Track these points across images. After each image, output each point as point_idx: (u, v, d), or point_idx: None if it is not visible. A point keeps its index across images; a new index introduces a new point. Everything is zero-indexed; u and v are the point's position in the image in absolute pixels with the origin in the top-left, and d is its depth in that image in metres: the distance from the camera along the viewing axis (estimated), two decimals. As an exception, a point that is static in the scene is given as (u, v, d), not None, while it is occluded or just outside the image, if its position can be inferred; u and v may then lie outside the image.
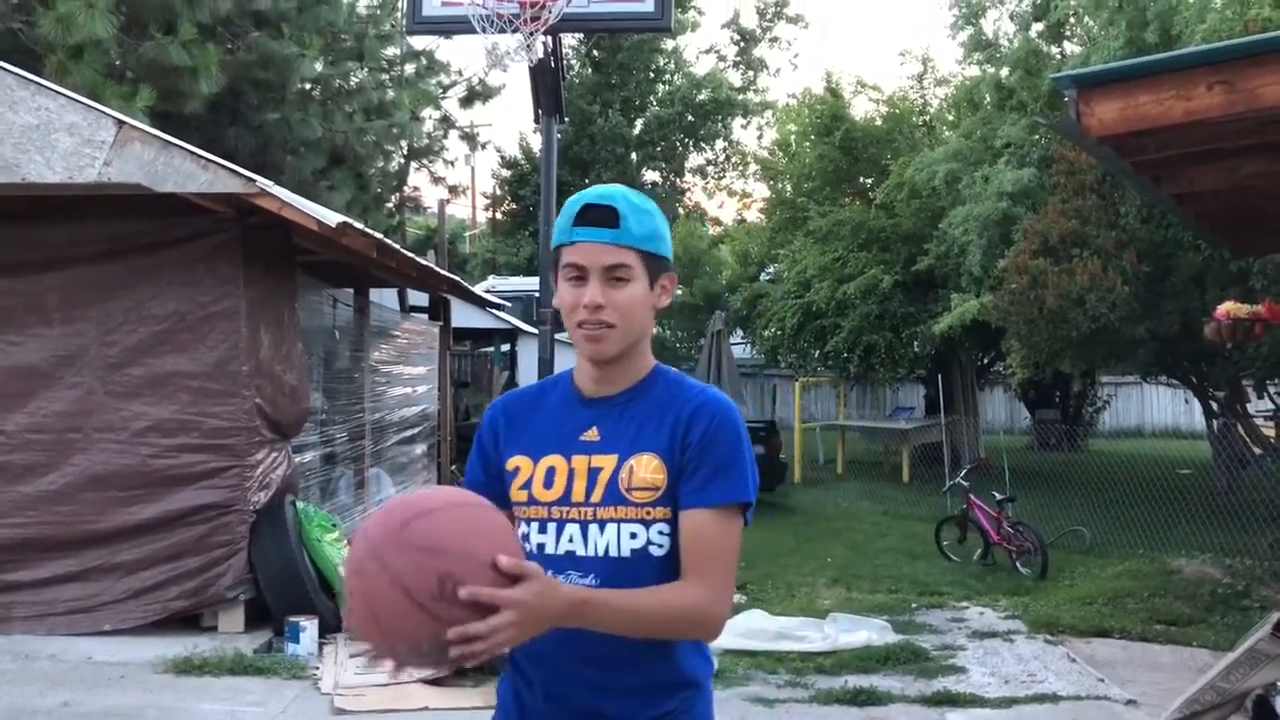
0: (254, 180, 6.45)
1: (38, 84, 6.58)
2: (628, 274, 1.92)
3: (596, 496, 1.91)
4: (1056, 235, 11.60)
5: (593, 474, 1.92)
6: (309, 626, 6.46)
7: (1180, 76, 4.27)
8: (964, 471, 10.94)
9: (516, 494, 1.98)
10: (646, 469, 1.90)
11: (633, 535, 1.90)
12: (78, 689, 5.66)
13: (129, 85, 10.78)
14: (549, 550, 1.93)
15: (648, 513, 1.90)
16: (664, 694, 1.92)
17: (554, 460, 1.95)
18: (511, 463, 1.99)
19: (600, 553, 1.91)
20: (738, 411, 1.95)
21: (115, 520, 6.75)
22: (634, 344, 1.96)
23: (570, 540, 1.92)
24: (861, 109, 20.04)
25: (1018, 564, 9.56)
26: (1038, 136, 14.11)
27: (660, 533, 1.90)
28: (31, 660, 6.16)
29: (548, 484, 1.94)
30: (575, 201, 1.95)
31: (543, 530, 1.94)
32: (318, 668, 6.14)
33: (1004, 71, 15.71)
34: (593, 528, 1.91)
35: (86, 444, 6.81)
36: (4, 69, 6.51)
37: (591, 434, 1.95)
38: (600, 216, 1.91)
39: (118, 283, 6.85)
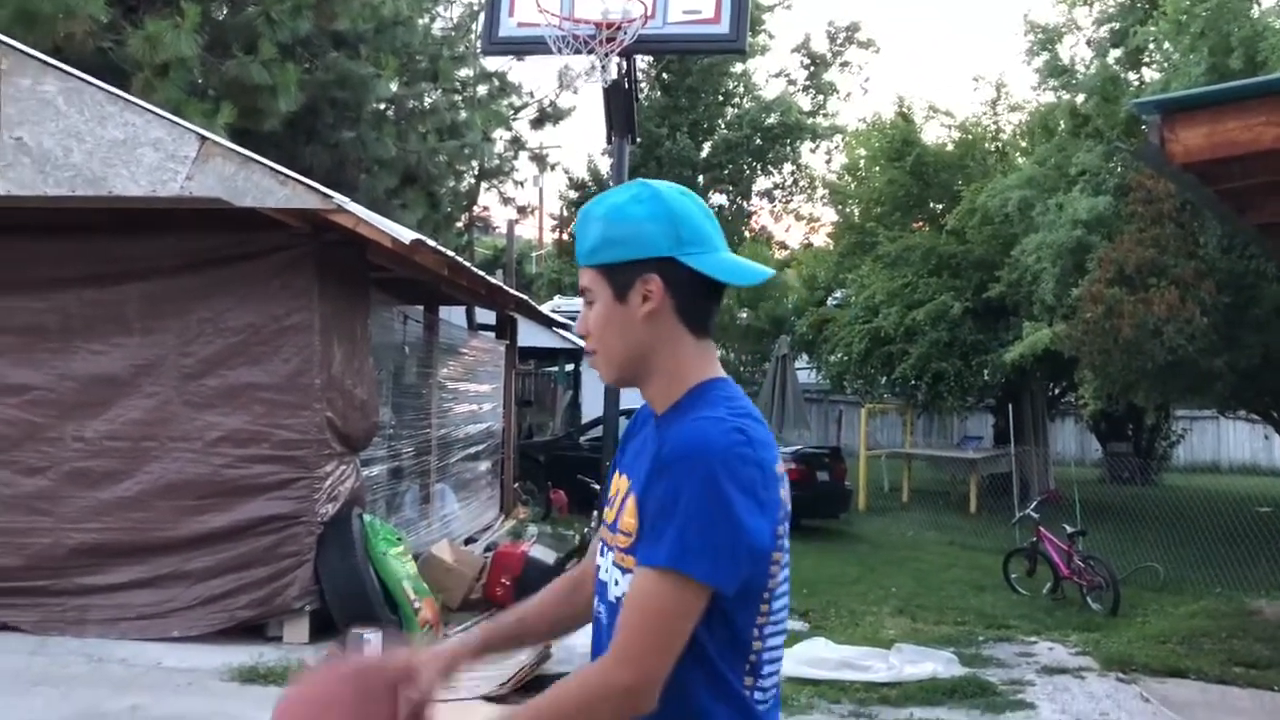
0: (331, 196, 6.55)
1: (125, 100, 6.75)
2: (590, 295, 1.74)
3: (612, 518, 1.74)
4: (1133, 264, 11.38)
5: (622, 503, 1.72)
6: (373, 639, 6.49)
7: (1272, 101, 4.17)
8: (1034, 503, 10.73)
9: (606, 509, 1.80)
10: (628, 511, 1.68)
11: (616, 581, 1.70)
12: (146, 694, 5.74)
13: (211, 103, 11.03)
14: (600, 574, 1.78)
15: (624, 559, 1.67)
16: None
17: (620, 480, 1.77)
18: (614, 474, 1.84)
19: (604, 579, 1.75)
20: (711, 450, 1.57)
21: (187, 528, 6.86)
22: (634, 364, 1.73)
23: (602, 568, 1.77)
24: (933, 134, 19.89)
25: (1088, 599, 9.34)
26: (1114, 164, 13.88)
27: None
28: (103, 663, 6.27)
29: (611, 503, 1.77)
30: None
31: (601, 554, 1.79)
32: (380, 681, 6.16)
33: (1080, 98, 15.49)
34: (609, 554, 1.74)
35: (161, 452, 6.94)
36: (94, 85, 6.69)
37: (641, 457, 1.75)
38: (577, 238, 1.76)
39: (196, 295, 6.99)
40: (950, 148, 19.13)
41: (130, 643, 6.62)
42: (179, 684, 5.93)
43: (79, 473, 6.97)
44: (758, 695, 1.67)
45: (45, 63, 6.68)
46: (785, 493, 1.71)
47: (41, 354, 7.05)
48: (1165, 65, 14.17)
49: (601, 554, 1.77)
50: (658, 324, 1.70)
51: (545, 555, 8.60)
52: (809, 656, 6.98)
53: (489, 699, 5.87)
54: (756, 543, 1.59)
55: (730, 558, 1.56)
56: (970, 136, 19.22)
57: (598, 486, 6.85)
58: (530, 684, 6.01)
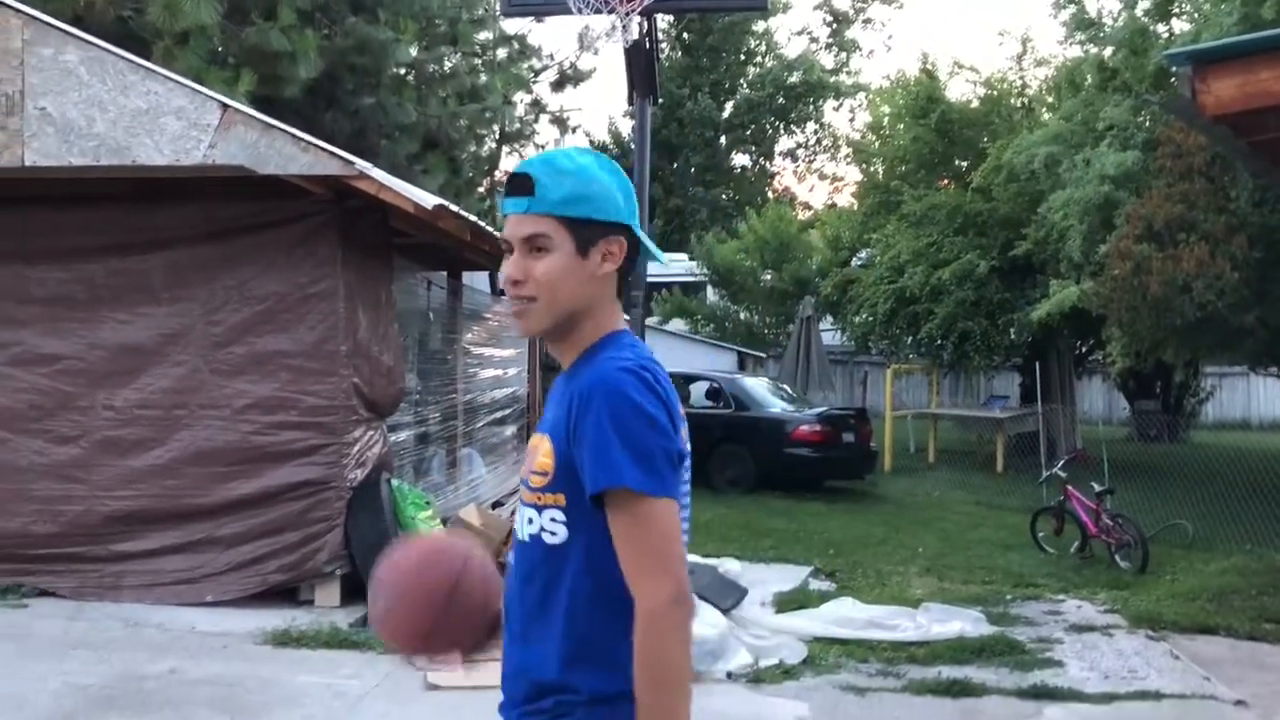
0: (353, 163, 6.55)
1: (147, 68, 6.75)
2: (546, 243, 1.80)
3: (524, 474, 1.86)
4: (1162, 220, 11.23)
5: (532, 453, 1.85)
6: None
7: (1307, 51, 4.08)
8: (1061, 462, 10.68)
9: None
10: (541, 451, 1.80)
11: (529, 520, 1.81)
12: (183, 657, 5.83)
13: (231, 70, 11.03)
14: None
15: (539, 498, 1.78)
16: (540, 693, 1.80)
17: (535, 439, 1.89)
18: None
19: (516, 530, 1.86)
20: (628, 381, 1.71)
21: (218, 495, 6.93)
22: (572, 317, 1.83)
23: (517, 526, 1.87)
24: (958, 90, 19.73)
25: (1116, 557, 9.31)
26: (1142, 118, 13.67)
27: (553, 519, 1.77)
28: (140, 628, 6.37)
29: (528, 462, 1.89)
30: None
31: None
32: (411, 643, 6.22)
33: (1108, 51, 15.24)
34: (521, 509, 1.86)
35: (191, 420, 7.00)
36: (116, 54, 6.69)
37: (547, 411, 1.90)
38: (517, 185, 1.82)
39: (221, 263, 7.02)
40: (975, 104, 18.90)
41: (165, 607, 6.72)
42: (214, 647, 6.02)
43: (110, 441, 7.05)
44: None
45: (67, 32, 6.68)
46: (685, 433, 1.82)
47: (70, 324, 7.12)
48: (1195, 16, 13.91)
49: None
50: (604, 282, 1.85)
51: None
52: (836, 616, 7.01)
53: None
54: (677, 446, 1.75)
55: (662, 465, 1.70)
56: (996, 92, 18.98)
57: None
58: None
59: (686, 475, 1.83)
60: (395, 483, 7.28)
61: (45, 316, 7.14)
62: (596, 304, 1.84)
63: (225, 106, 6.64)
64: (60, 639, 6.11)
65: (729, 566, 8.40)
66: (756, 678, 5.89)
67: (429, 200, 6.88)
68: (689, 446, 1.83)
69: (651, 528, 1.68)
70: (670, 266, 25.74)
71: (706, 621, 6.34)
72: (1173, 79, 13.26)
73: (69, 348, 7.11)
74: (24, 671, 5.48)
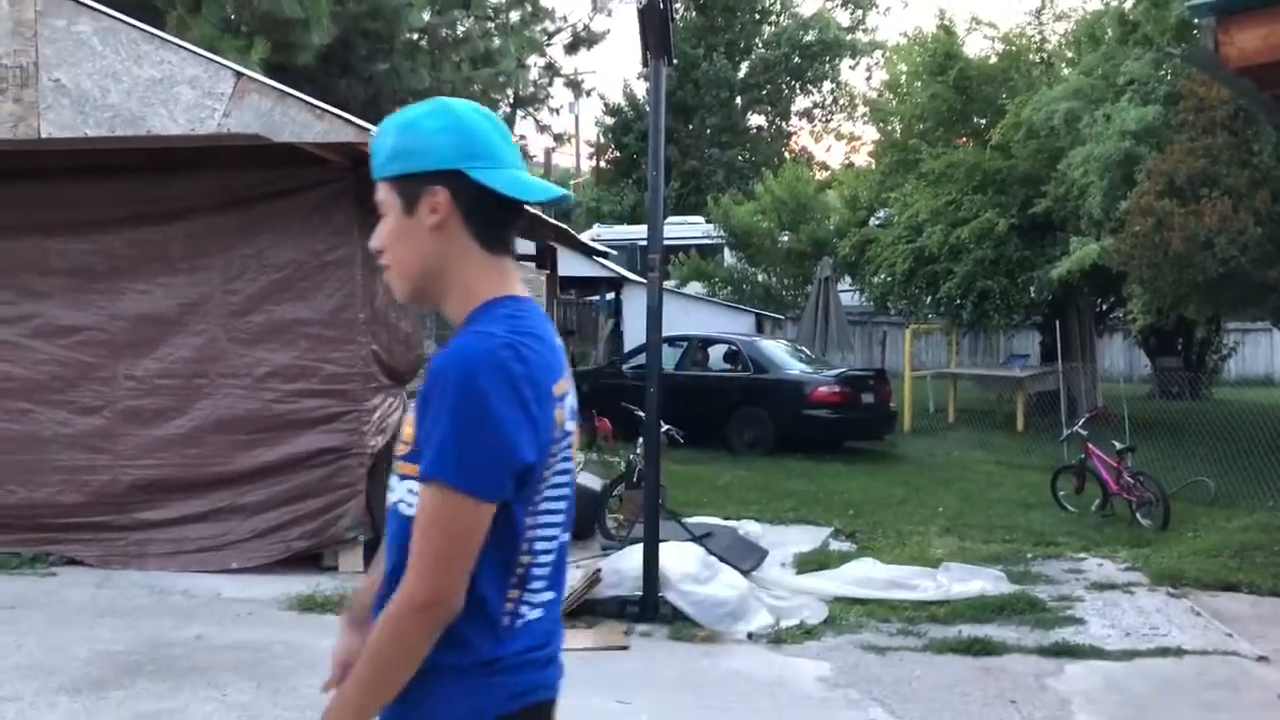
0: (367, 129, 6.53)
1: (161, 38, 6.75)
2: (383, 208, 1.76)
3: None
4: (1184, 175, 11.10)
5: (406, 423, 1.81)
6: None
7: (1333, 0, 4.01)
8: (1082, 420, 10.64)
9: None
10: (408, 421, 1.74)
11: (392, 489, 1.76)
12: (209, 623, 5.90)
13: (244, 39, 11.00)
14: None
15: (401, 467, 1.74)
16: None
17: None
18: None
19: (389, 495, 1.82)
20: (481, 365, 1.60)
21: (240, 463, 6.99)
22: (428, 281, 1.76)
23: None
24: (976, 47, 19.45)
25: (1138, 515, 9.29)
26: (1164, 72, 13.48)
27: (410, 491, 1.70)
28: (166, 595, 6.45)
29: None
30: None
31: None
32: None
33: (1128, 4, 15.02)
34: (391, 476, 1.81)
35: (212, 389, 7.05)
36: (129, 24, 6.68)
37: None
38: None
39: (237, 232, 7.03)
40: (994, 60, 18.66)
41: (190, 575, 6.80)
42: (239, 613, 6.09)
43: (133, 411, 7.10)
44: (524, 609, 1.71)
45: (79, 3, 6.66)
46: (563, 414, 1.72)
47: (90, 295, 7.16)
48: (1218, -34, 13.68)
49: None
50: (446, 238, 1.72)
51: (592, 482, 8.68)
52: (857, 576, 7.03)
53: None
54: (517, 455, 1.61)
55: (488, 468, 1.59)
56: (1014, 48, 18.72)
57: (642, 414, 6.88)
58: (579, 609, 6.10)
59: (565, 453, 1.74)
60: (415, 449, 7.32)
61: (66, 288, 7.18)
62: (450, 264, 1.74)
63: (239, 75, 6.63)
64: (88, 606, 6.20)
65: (749, 528, 8.43)
66: (777, 638, 5.92)
67: (444, 166, 6.85)
68: (569, 420, 1.74)
69: (442, 524, 1.60)
70: (687, 229, 25.65)
71: (727, 583, 6.37)
72: (1195, 31, 13.06)
73: (90, 319, 7.15)
74: (54, 638, 5.56)
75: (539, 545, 1.72)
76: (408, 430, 1.72)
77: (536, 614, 1.74)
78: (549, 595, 1.77)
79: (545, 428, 1.66)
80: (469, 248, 1.73)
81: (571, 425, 1.76)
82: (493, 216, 1.74)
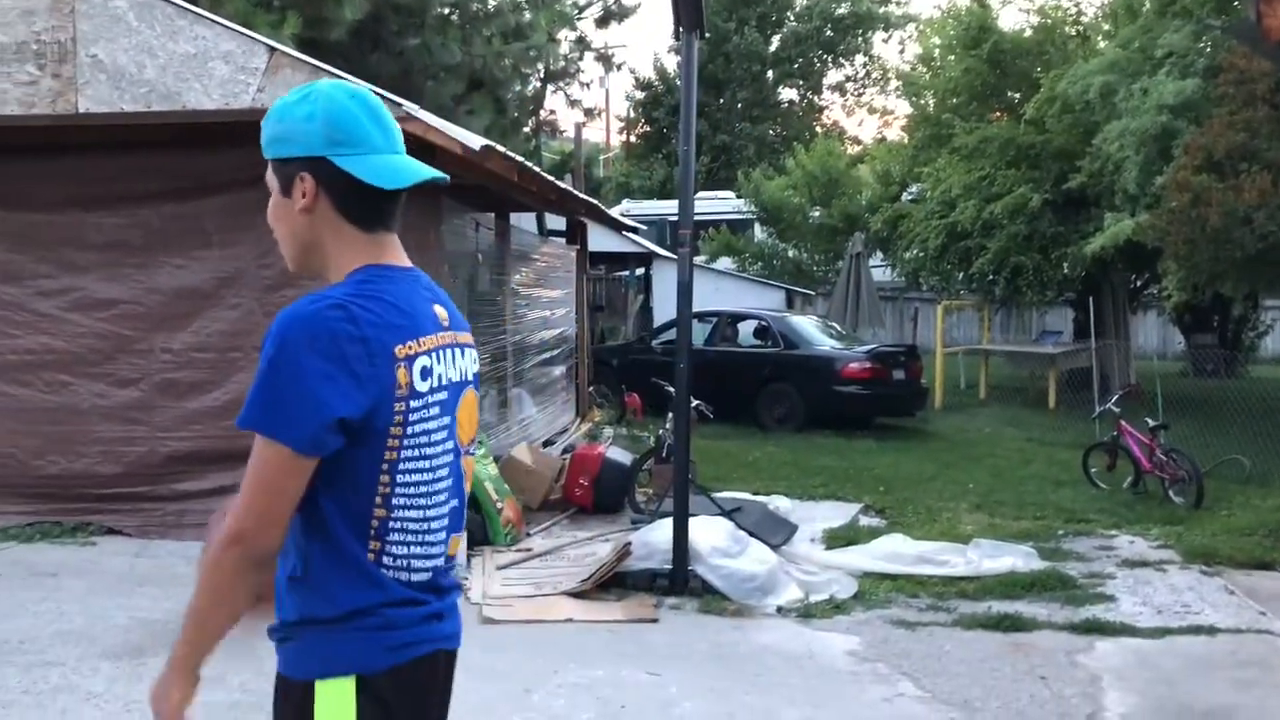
0: (400, 104, 6.55)
1: (195, 13, 6.78)
2: (269, 186, 1.88)
3: None
4: (1222, 149, 10.95)
5: None
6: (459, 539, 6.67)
7: (1377, -30, 3.93)
8: (1115, 397, 10.56)
9: None
10: None
11: None
12: (245, 593, 5.98)
13: (277, 14, 11.05)
14: None
15: None
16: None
17: None
18: None
19: None
20: (295, 322, 1.70)
21: (275, 435, 7.05)
22: (309, 255, 1.86)
23: None
24: (1010, 19, 19.24)
25: (1170, 492, 9.23)
26: (1203, 44, 13.27)
27: None
28: (202, 565, 6.54)
29: None
30: None
31: None
32: (466, 578, 6.35)
33: (1168, -26, 14.77)
34: None
35: (246, 362, 7.12)
36: (163, -1, 6.72)
37: None
38: None
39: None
40: (1029, 33, 18.43)
41: (227, 545, 6.88)
42: (275, 584, 6.17)
43: (169, 383, 7.19)
44: (386, 560, 1.77)
45: (114, -22, 6.71)
46: (408, 375, 1.76)
47: (127, 269, 7.24)
48: (1260, -64, 13.43)
49: None
50: (317, 219, 1.82)
51: (622, 456, 8.72)
52: (886, 552, 7.04)
53: (571, 595, 6.03)
54: (328, 408, 1.67)
55: (296, 418, 1.67)
56: (1049, 21, 18.47)
57: (672, 390, 6.90)
58: (609, 581, 6.15)
59: (427, 414, 1.79)
60: (447, 422, 7.37)
61: (103, 262, 7.27)
62: (323, 241, 1.83)
63: (272, 50, 6.67)
64: (127, 575, 6.30)
65: (779, 504, 8.45)
66: (807, 612, 5.95)
67: (476, 141, 6.87)
68: (423, 381, 1.78)
69: (255, 468, 1.70)
70: (717, 204, 25.55)
71: (756, 557, 6.40)
72: (1236, 2, 12.85)
73: (127, 292, 7.24)
74: (94, 606, 5.67)
75: (397, 501, 1.77)
76: None
77: (422, 576, 1.81)
78: (430, 556, 1.82)
79: (378, 385, 1.72)
80: (340, 226, 1.83)
81: (425, 386, 1.79)
82: (362, 198, 1.81)
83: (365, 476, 1.75)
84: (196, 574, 1.80)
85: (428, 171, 1.85)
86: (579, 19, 19.85)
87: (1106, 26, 18.13)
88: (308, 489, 1.72)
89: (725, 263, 23.87)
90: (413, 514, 1.79)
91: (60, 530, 7.09)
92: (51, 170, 7.28)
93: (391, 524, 1.77)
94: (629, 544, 6.31)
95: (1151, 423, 9.59)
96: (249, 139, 6.76)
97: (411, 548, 1.80)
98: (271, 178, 1.86)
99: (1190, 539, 7.71)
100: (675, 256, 6.68)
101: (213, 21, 6.79)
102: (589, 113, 29.38)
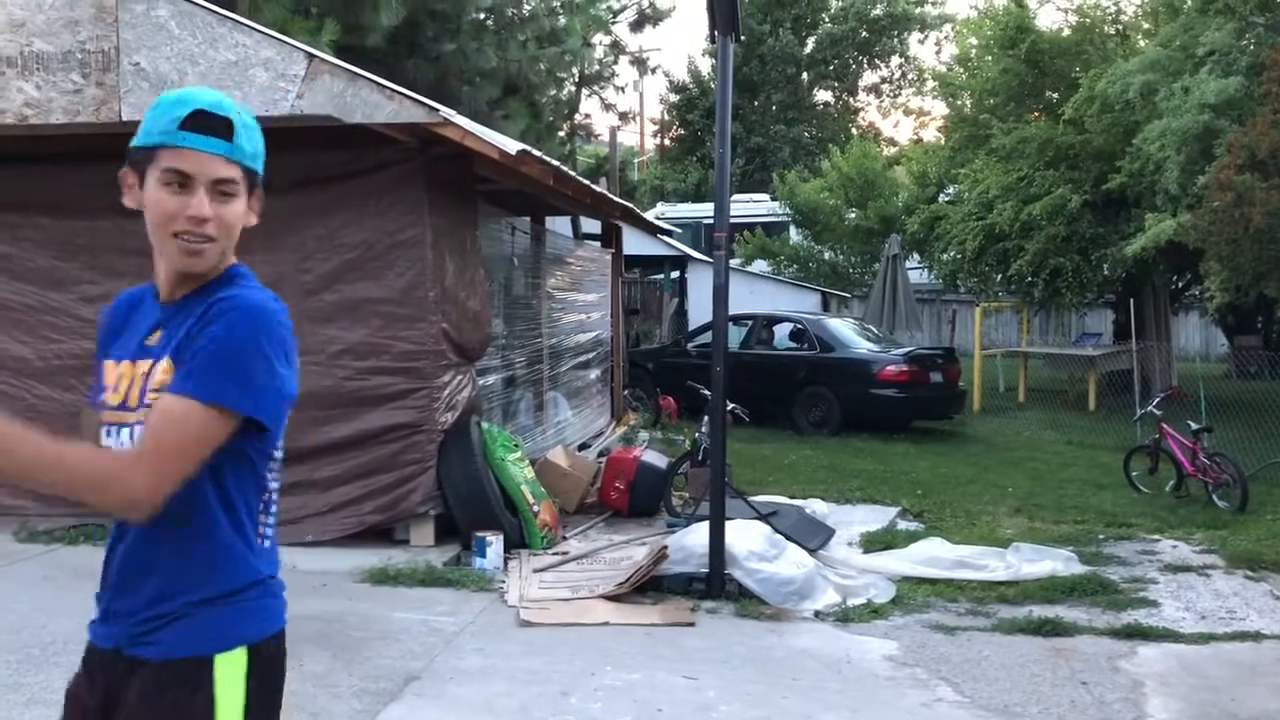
0: (437, 109, 6.59)
1: (235, 21, 6.85)
2: (235, 190, 1.91)
3: (135, 401, 1.90)
4: (1266, 148, 10.80)
5: (145, 379, 1.91)
6: (495, 541, 6.71)
7: None
8: (1156, 400, 10.44)
9: (103, 398, 1.98)
10: (163, 370, 1.87)
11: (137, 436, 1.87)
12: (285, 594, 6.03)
13: (315, 20, 11.15)
14: None
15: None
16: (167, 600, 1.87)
17: (124, 366, 1.96)
18: (105, 366, 2.01)
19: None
20: (262, 310, 1.85)
21: (315, 438, 7.12)
22: (225, 256, 1.97)
23: (124, 446, 1.90)
24: (1049, 19, 19.07)
25: (1214, 496, 9.11)
26: (1247, 41, 13.10)
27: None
28: (243, 567, 6.60)
29: (115, 389, 1.95)
30: (181, 103, 1.89)
31: (109, 435, 1.93)
32: (503, 581, 6.38)
33: (1209, -28, 14.58)
34: (138, 430, 1.88)
35: (286, 366, 7.18)
36: (204, 7, 6.80)
37: (154, 338, 1.95)
38: (215, 126, 1.88)
39: (311, 212, 7.14)
40: (1067, 33, 18.27)
41: (267, 547, 6.95)
42: (315, 585, 6.23)
43: (210, 387, 7.26)
44: (268, 532, 1.96)
45: (156, -13, 6.79)
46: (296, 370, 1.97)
47: (170, 274, 7.31)
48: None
49: (110, 435, 1.93)
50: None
51: (657, 460, 8.72)
52: (925, 556, 6.99)
53: (608, 598, 6.04)
54: (288, 388, 1.88)
55: (272, 395, 1.84)
56: (1089, 20, 18.31)
57: (708, 393, 6.89)
58: (646, 585, 6.15)
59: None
60: (485, 425, 7.41)
61: (144, 268, 7.30)
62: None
63: (311, 57, 6.72)
64: (170, 577, 6.36)
65: (816, 507, 8.42)
66: (844, 616, 5.92)
67: (512, 146, 6.90)
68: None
69: (189, 430, 1.77)
70: (752, 207, 25.50)
71: (793, 561, 6.38)
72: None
73: (169, 298, 7.32)
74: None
75: (271, 478, 1.97)
76: (166, 378, 1.84)
77: (269, 541, 1.98)
78: (275, 527, 2.00)
79: (294, 369, 1.93)
80: None
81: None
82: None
83: (265, 456, 1.93)
84: (94, 457, 1.81)
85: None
86: (613, 23, 19.91)
87: (1146, 25, 17.94)
88: (215, 469, 1.83)
89: (761, 265, 23.83)
90: (275, 488, 1.99)
91: (103, 533, 7.17)
92: (95, 177, 7.31)
93: (270, 500, 1.97)
94: (665, 547, 6.31)
95: (1194, 425, 9.47)
96: (287, 146, 6.78)
97: (273, 520, 1.98)
98: (242, 186, 1.94)
99: (1234, 543, 7.61)
100: (710, 259, 6.67)
101: (252, 29, 6.85)
102: (624, 116, 29.49)
